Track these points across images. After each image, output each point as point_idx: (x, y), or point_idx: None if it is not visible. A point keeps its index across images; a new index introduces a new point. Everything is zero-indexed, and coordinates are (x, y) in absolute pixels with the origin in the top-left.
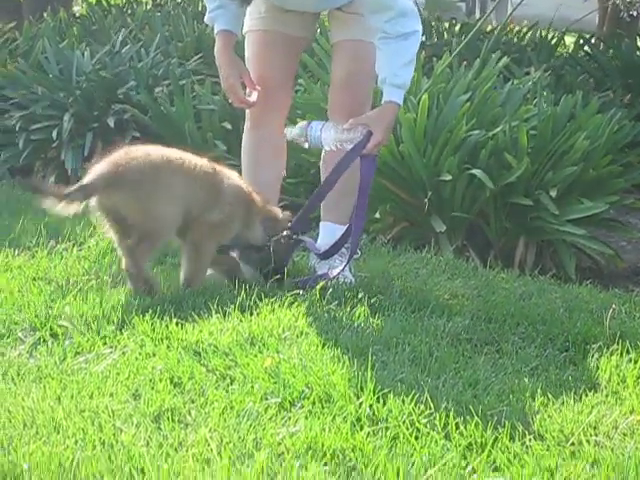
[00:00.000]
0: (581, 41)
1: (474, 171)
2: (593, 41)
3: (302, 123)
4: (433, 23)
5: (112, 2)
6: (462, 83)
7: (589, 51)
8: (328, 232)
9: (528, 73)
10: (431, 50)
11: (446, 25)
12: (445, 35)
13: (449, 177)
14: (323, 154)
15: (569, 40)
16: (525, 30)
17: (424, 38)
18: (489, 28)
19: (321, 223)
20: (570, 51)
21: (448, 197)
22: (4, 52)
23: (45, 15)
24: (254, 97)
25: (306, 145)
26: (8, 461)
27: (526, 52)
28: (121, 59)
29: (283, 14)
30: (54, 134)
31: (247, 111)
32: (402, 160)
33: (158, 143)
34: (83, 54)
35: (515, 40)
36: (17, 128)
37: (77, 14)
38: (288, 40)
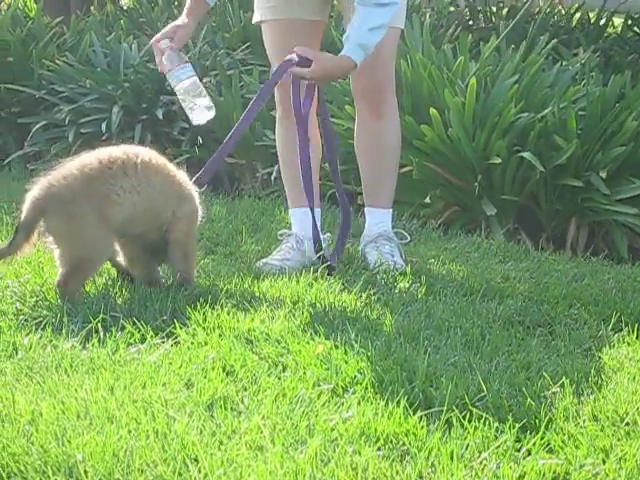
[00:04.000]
0: (630, 21)
1: (524, 154)
2: None
3: (182, 57)
4: (480, 7)
5: None
6: (510, 66)
7: (638, 31)
8: (373, 217)
9: (576, 54)
10: (478, 34)
11: (494, 9)
12: (493, 19)
13: (499, 160)
14: (356, 138)
15: (617, 21)
16: (573, 12)
17: (471, 22)
18: (536, 10)
19: (365, 209)
20: (619, 31)
21: (498, 180)
22: (52, 47)
23: (92, 9)
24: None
25: (169, 80)
26: (62, 452)
27: (574, 33)
28: None
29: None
30: (103, 127)
31: (277, 99)
32: (451, 144)
33: (207, 133)
34: (130, 47)
35: (563, 22)
36: (67, 122)
37: (124, 7)
38: (304, 26)
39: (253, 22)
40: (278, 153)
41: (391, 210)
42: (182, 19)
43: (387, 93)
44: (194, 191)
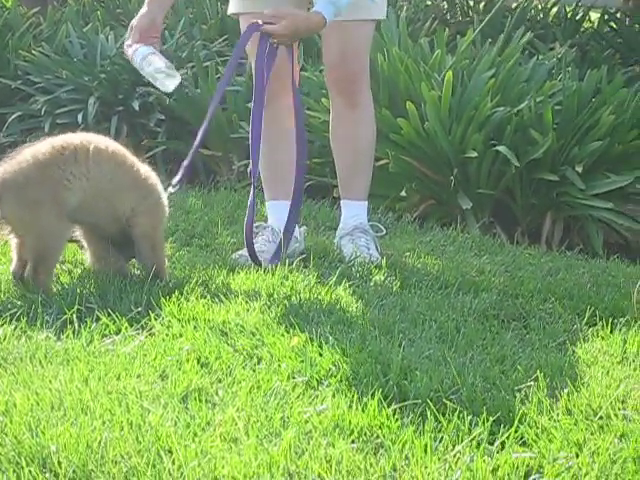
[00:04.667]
0: (606, 16)
1: (499, 148)
2: (618, 16)
3: (135, 46)
4: (457, 1)
5: None
6: (486, 60)
7: (614, 26)
8: (348, 210)
9: (553, 49)
10: (455, 27)
11: (471, 3)
12: (470, 13)
13: (474, 154)
14: (331, 129)
15: (594, 16)
16: (550, 6)
17: (448, 16)
18: (514, 5)
19: (341, 202)
20: (595, 26)
21: (474, 174)
22: (28, 37)
23: None
24: (130, 52)
25: (133, 64)
26: (36, 443)
27: (551, 28)
28: None
29: None
30: (79, 118)
31: (254, 91)
32: (427, 138)
33: (183, 125)
34: (107, 38)
35: (540, 16)
36: (42, 112)
37: None
38: None
39: (228, 13)
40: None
41: (366, 203)
42: (142, 9)
43: (361, 84)
44: (158, 185)
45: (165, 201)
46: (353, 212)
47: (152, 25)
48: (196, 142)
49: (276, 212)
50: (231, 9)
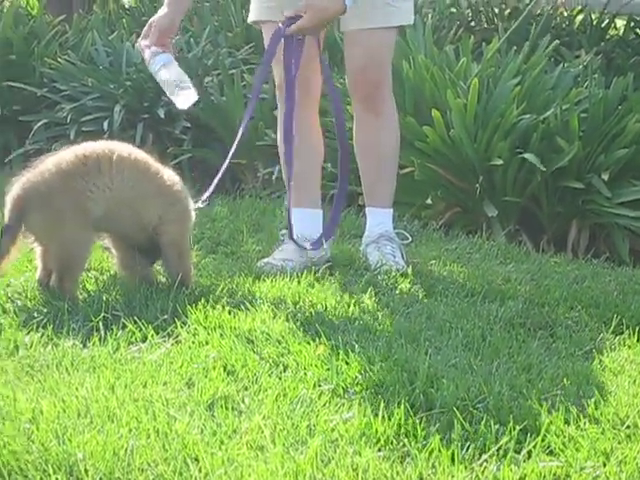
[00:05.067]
0: (632, 23)
1: (525, 155)
2: None
3: (154, 49)
4: (482, 8)
5: None
6: (512, 67)
7: None
8: (374, 217)
9: (579, 56)
10: (480, 35)
11: (496, 10)
12: (495, 20)
13: (500, 162)
14: (354, 136)
15: (620, 23)
16: (575, 13)
17: (473, 23)
18: (538, 12)
19: (366, 209)
20: (621, 34)
21: (499, 182)
22: (54, 45)
23: (94, 7)
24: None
25: (150, 70)
26: (63, 451)
27: (576, 35)
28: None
29: (292, 1)
30: (105, 125)
31: (278, 98)
32: (453, 145)
33: (209, 133)
34: (133, 45)
35: (565, 24)
36: (68, 120)
37: (127, 5)
38: None
39: (248, 21)
40: (279, 152)
41: (392, 210)
42: (162, 9)
43: (383, 90)
44: (184, 192)
45: (192, 207)
46: (378, 220)
47: (171, 25)
48: (228, 158)
49: (300, 219)
50: (251, 17)
